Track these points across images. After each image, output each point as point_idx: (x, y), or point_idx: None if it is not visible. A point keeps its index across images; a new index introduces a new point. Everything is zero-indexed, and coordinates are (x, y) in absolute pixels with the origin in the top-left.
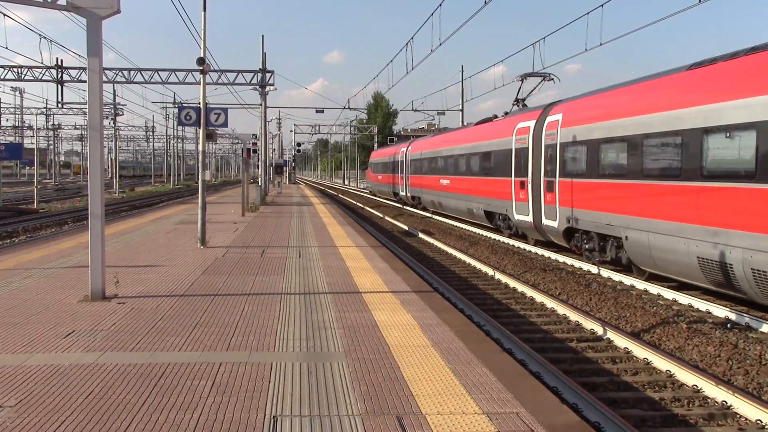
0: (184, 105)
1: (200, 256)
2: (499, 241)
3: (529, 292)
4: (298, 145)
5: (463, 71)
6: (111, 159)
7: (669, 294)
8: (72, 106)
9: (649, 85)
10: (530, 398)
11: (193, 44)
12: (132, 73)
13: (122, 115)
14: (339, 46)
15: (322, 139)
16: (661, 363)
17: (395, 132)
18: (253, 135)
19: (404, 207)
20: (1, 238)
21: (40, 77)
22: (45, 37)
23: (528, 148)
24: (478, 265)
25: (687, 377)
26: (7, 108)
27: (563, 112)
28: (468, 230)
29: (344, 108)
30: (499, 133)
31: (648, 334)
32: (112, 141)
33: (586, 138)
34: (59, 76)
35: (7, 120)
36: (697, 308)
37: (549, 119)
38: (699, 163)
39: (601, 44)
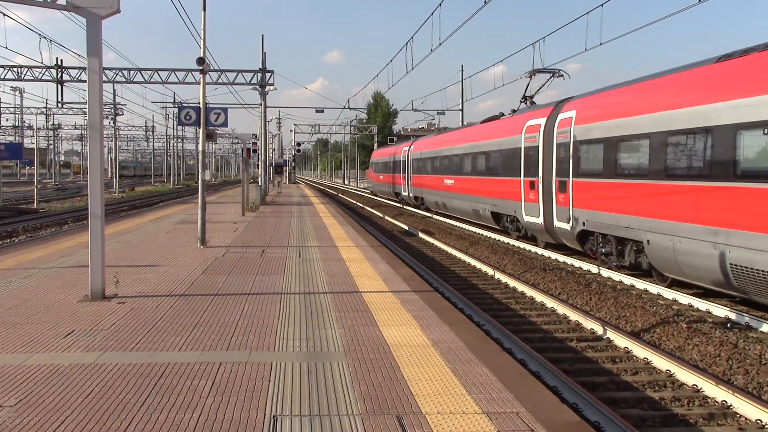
0: (183, 105)
1: (200, 256)
2: (499, 240)
3: (529, 292)
4: (298, 144)
5: (462, 71)
6: (111, 159)
7: (669, 294)
8: (72, 105)
9: (674, 79)
10: (530, 398)
11: (193, 44)
12: (132, 72)
13: (122, 114)
14: (339, 45)
15: (322, 138)
16: (661, 363)
17: (395, 132)
18: (253, 135)
19: (404, 207)
20: (1, 237)
21: (40, 77)
22: (45, 37)
23: (538, 146)
24: (478, 265)
25: (687, 377)
26: (7, 108)
27: (577, 109)
28: (468, 230)
29: (344, 108)
30: (507, 131)
31: (648, 334)
32: (112, 141)
33: (603, 136)
34: (59, 75)
35: (7, 120)
36: (697, 308)
37: (561, 116)
38: (733, 162)
39: (601, 44)
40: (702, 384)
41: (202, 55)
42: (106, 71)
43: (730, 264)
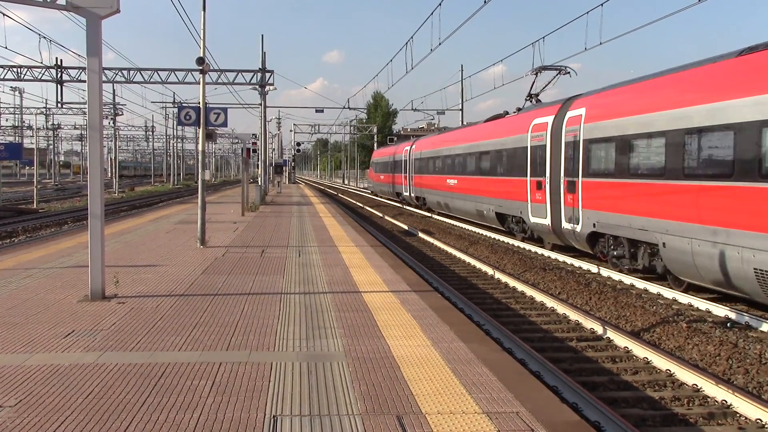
0: (183, 105)
1: (200, 256)
2: (498, 240)
3: (529, 292)
4: (298, 144)
5: (462, 71)
6: (111, 159)
7: (669, 293)
8: (72, 105)
9: (693, 74)
10: (530, 397)
11: (192, 44)
12: (132, 72)
13: (122, 114)
14: (338, 45)
15: (321, 138)
16: (661, 362)
17: (395, 132)
18: (253, 135)
19: (404, 206)
20: (1, 238)
21: (39, 77)
22: (45, 37)
23: (545, 145)
24: (478, 265)
25: (687, 376)
26: (6, 108)
27: (587, 107)
28: (468, 230)
29: (344, 108)
30: (513, 130)
31: (648, 334)
32: (111, 141)
33: (615, 134)
34: (59, 75)
35: (7, 120)
36: (697, 307)
37: (570, 114)
38: (758, 162)
39: (600, 43)
40: (702, 383)
41: (201, 55)
42: (105, 71)
43: (755, 269)
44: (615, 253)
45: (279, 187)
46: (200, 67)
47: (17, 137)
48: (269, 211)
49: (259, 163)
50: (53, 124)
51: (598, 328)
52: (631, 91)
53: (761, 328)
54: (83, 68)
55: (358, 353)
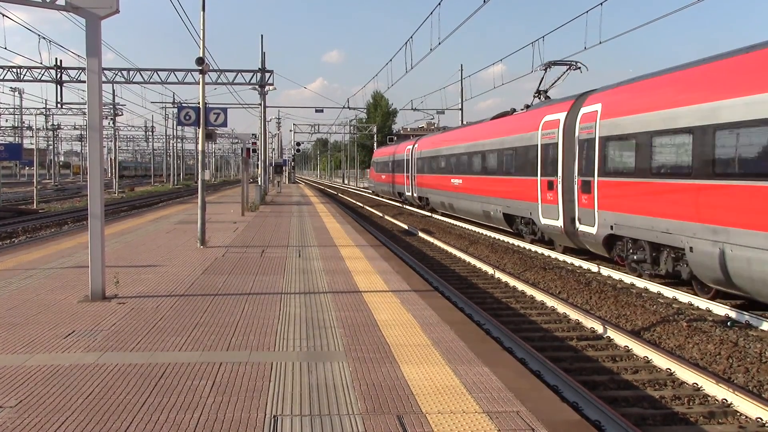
0: (183, 105)
1: (200, 256)
2: (499, 240)
3: (529, 291)
4: (298, 144)
5: (462, 70)
6: (110, 159)
7: (669, 292)
8: (71, 106)
9: (722, 65)
10: (530, 397)
11: (192, 44)
12: (131, 73)
13: (122, 115)
14: (338, 45)
15: (321, 138)
16: (661, 361)
17: (395, 131)
18: (253, 134)
19: (404, 206)
20: (1, 238)
21: (39, 77)
22: (44, 38)
23: (557, 143)
24: (478, 264)
25: (687, 375)
26: (6, 108)
27: (603, 102)
28: (468, 229)
29: (344, 107)
30: (522, 127)
31: (648, 333)
32: (111, 141)
33: (636, 131)
34: (58, 76)
35: (7, 120)
36: (698, 306)
37: (584, 110)
38: None
39: (600, 42)
40: (702, 382)
41: (201, 55)
42: (105, 71)
43: None
44: (635, 257)
45: (279, 187)
46: (200, 68)
47: (17, 138)
48: (269, 211)
49: (259, 162)
50: (53, 124)
51: (599, 327)
52: (653, 84)
53: (761, 327)
54: (83, 68)
55: (359, 353)
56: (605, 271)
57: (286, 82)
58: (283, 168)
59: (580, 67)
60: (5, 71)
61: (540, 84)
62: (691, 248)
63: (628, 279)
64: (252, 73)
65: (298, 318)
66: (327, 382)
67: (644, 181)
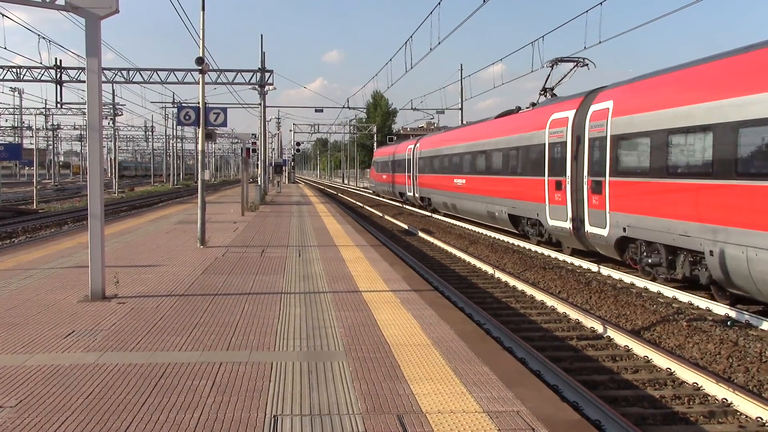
0: (183, 105)
1: (200, 256)
2: (498, 239)
3: (529, 291)
4: (298, 144)
5: (462, 70)
6: (110, 159)
7: (669, 292)
8: (71, 106)
9: (748, 59)
10: (531, 396)
11: (192, 44)
12: (131, 73)
13: (121, 115)
14: (338, 45)
15: (321, 138)
16: (661, 361)
17: (394, 131)
18: (253, 134)
19: (404, 206)
20: (0, 238)
21: (39, 77)
22: (44, 38)
23: (566, 142)
24: (478, 264)
25: (687, 375)
26: (6, 108)
27: (615, 99)
28: (468, 229)
29: (343, 107)
30: (528, 126)
31: (648, 332)
32: (111, 141)
33: (651, 128)
34: (58, 76)
35: (6, 120)
36: (698, 306)
37: (594, 108)
38: None
39: (600, 42)
40: (702, 382)
41: (201, 55)
42: (105, 71)
43: None
44: (649, 260)
45: (279, 187)
46: (199, 67)
47: (17, 138)
48: (269, 211)
49: (259, 162)
50: (53, 124)
51: (599, 327)
52: (671, 80)
53: (761, 327)
54: (83, 68)
55: (359, 352)
56: (605, 271)
57: (285, 82)
58: (283, 168)
59: (587, 64)
60: (5, 71)
61: (546, 81)
62: (711, 252)
63: (627, 279)
64: (252, 73)
65: (298, 317)
66: (327, 381)
67: (661, 181)
